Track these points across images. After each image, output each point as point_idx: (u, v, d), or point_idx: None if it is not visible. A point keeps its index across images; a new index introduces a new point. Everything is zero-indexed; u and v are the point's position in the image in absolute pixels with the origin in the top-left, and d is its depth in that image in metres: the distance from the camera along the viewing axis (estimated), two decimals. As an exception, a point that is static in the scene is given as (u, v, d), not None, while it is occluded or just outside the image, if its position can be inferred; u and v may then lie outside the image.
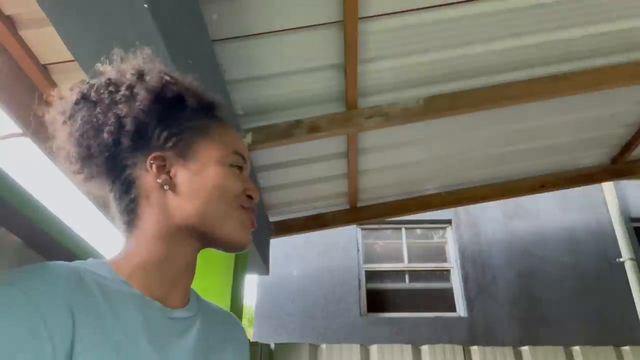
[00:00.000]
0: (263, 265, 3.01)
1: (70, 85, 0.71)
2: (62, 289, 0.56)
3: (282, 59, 1.97)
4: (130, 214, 0.69)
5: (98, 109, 0.68)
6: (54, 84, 1.93)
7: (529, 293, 4.84)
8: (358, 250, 5.12)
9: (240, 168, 0.75)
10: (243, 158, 0.76)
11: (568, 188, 3.55)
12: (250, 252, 2.59)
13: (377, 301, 4.93)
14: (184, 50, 1.40)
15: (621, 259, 4.85)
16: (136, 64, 0.72)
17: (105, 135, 0.67)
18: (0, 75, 1.74)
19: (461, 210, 5.14)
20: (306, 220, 3.40)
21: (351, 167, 2.79)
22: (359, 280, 4.96)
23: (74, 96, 0.70)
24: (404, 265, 5.07)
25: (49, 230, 0.66)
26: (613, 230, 5.03)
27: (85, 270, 0.61)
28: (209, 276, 2.00)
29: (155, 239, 0.68)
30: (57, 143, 0.70)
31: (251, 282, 4.63)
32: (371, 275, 5.08)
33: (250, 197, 0.74)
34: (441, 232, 5.37)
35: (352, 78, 2.07)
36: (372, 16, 1.85)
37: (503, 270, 4.96)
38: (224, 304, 1.94)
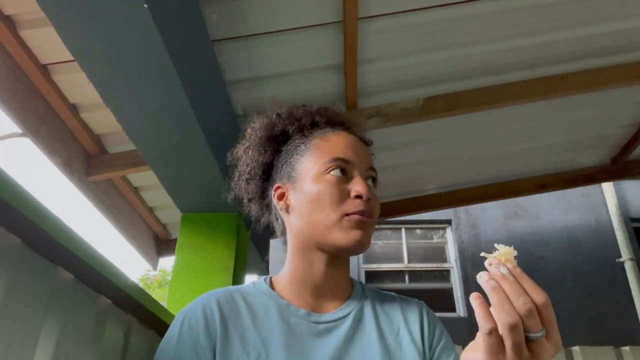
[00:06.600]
0: (263, 266, 3.01)
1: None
2: (210, 308, 0.74)
3: (281, 59, 1.97)
4: (282, 236, 0.85)
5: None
6: (54, 84, 1.93)
7: (529, 293, 4.83)
8: (358, 250, 5.11)
9: (343, 171, 0.75)
10: (344, 160, 0.76)
11: (568, 188, 3.55)
12: (250, 252, 2.59)
13: (377, 301, 4.93)
14: (184, 50, 1.40)
15: (621, 259, 4.85)
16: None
17: (245, 178, 0.85)
18: (0, 76, 1.74)
19: (461, 210, 5.14)
20: (306, 220, 3.39)
21: (351, 167, 2.78)
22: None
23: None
24: (404, 265, 5.07)
25: (49, 230, 0.66)
26: (613, 231, 5.03)
27: (238, 290, 0.80)
28: (209, 276, 2.00)
29: (293, 256, 0.80)
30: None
31: (251, 282, 4.63)
32: (371, 275, 5.07)
33: (358, 196, 0.74)
34: (441, 232, 5.37)
35: (352, 78, 2.07)
36: (372, 16, 1.84)
37: (503, 271, 4.95)
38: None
